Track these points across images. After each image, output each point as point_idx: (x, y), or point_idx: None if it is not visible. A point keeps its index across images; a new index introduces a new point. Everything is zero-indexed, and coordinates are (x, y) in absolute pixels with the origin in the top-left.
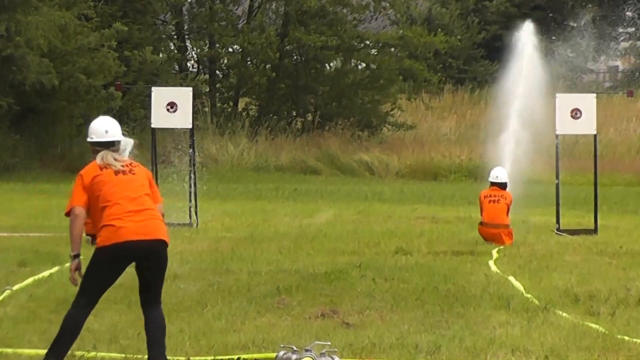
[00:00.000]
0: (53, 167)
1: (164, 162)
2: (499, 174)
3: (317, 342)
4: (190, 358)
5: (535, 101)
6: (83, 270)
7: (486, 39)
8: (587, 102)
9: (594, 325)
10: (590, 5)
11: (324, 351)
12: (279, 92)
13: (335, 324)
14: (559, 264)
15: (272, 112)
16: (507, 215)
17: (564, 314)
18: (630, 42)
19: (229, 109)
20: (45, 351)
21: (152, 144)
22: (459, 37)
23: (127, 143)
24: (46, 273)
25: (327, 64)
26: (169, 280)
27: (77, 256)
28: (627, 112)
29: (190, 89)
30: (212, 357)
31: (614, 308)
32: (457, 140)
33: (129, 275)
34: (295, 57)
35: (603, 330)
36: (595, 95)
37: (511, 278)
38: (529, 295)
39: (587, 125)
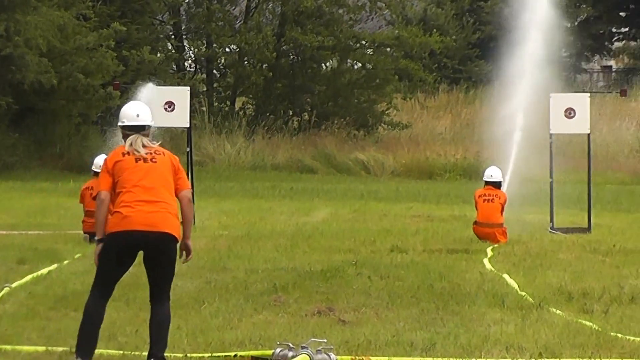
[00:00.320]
0: (52, 166)
1: None
2: (493, 173)
3: (313, 339)
4: (188, 355)
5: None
6: None
7: (481, 39)
8: (581, 101)
9: (587, 323)
10: (584, 6)
11: (320, 348)
12: (276, 92)
13: (331, 322)
14: (553, 262)
15: (269, 111)
16: (502, 214)
17: (558, 312)
18: (623, 42)
19: (226, 108)
20: (44, 348)
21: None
22: (454, 37)
23: None
24: (45, 270)
25: (323, 64)
26: None
27: (101, 240)
28: (620, 111)
29: (188, 88)
30: (209, 354)
31: (607, 306)
32: (452, 139)
33: (128, 273)
34: (291, 57)
35: (596, 328)
36: (589, 94)
37: (505, 276)
38: (523, 293)
39: (581, 125)
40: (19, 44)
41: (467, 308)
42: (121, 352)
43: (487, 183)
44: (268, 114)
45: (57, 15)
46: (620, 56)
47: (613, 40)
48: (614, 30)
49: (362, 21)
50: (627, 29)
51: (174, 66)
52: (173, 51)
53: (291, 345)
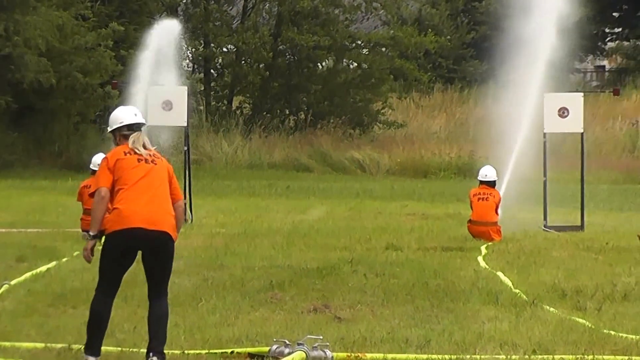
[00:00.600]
0: (50, 164)
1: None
2: (487, 173)
3: (309, 336)
4: (185, 351)
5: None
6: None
7: (475, 39)
8: (575, 101)
9: (580, 320)
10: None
11: (316, 345)
12: (272, 91)
13: (327, 319)
14: (547, 260)
15: (266, 110)
16: (496, 212)
17: (552, 309)
18: (617, 42)
19: (223, 108)
20: (43, 344)
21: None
22: (448, 37)
23: None
24: (44, 268)
25: (319, 64)
26: None
27: (95, 236)
28: (613, 110)
29: (186, 87)
30: (207, 351)
31: (600, 303)
32: (446, 138)
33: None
34: (288, 57)
35: (590, 325)
36: (582, 94)
37: (499, 274)
38: (517, 291)
39: (575, 124)
40: (18, 43)
41: (462, 305)
42: (119, 348)
43: (481, 182)
44: (265, 113)
45: (56, 15)
46: (614, 56)
47: (606, 40)
48: (607, 30)
49: (357, 21)
50: (620, 29)
51: None
52: None
53: (287, 342)
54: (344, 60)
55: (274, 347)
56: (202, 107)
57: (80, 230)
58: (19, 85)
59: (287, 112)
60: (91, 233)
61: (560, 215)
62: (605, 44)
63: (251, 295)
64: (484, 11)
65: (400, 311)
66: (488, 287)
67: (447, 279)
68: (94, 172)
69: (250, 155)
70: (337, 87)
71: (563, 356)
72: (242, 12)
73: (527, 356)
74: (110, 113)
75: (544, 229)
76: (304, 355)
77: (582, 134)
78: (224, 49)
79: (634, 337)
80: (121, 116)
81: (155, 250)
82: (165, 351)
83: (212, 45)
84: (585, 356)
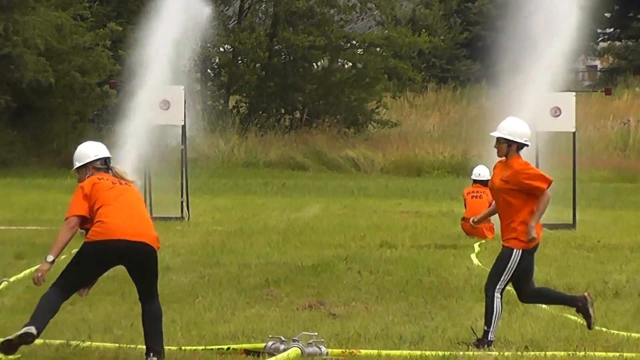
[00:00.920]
0: (49, 162)
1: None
2: (481, 172)
3: (304, 333)
4: (182, 347)
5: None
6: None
7: (468, 39)
8: (567, 100)
9: (572, 317)
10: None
11: (311, 341)
12: (268, 90)
13: (322, 315)
14: (539, 257)
15: (262, 109)
16: None
17: (544, 306)
18: (608, 42)
19: (220, 107)
20: (41, 340)
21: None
22: (442, 37)
23: None
24: None
25: (314, 63)
26: (161, 272)
27: (52, 262)
28: (605, 110)
29: (183, 87)
30: (203, 347)
31: (592, 300)
32: (440, 137)
33: (121, 267)
34: (284, 57)
35: (581, 322)
36: (574, 93)
37: None
38: (509, 288)
39: (567, 123)
40: (17, 43)
41: (455, 302)
42: (117, 345)
43: (475, 181)
44: (261, 112)
45: (54, 15)
46: (605, 56)
47: (598, 40)
48: (599, 30)
49: (352, 21)
50: (612, 30)
51: None
52: None
53: (283, 339)
54: (339, 60)
55: (270, 343)
56: (199, 107)
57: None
58: (18, 85)
59: (283, 111)
60: (50, 258)
61: (552, 213)
62: (597, 44)
63: (247, 292)
64: (477, 12)
65: (394, 308)
66: (481, 284)
67: (440, 276)
68: None
69: (246, 153)
70: (332, 86)
71: (555, 353)
72: (239, 12)
73: (519, 352)
74: (108, 112)
75: None
76: (299, 351)
77: (574, 133)
78: (221, 49)
79: (625, 333)
80: (92, 151)
81: (140, 260)
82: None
83: (209, 45)
84: (577, 353)
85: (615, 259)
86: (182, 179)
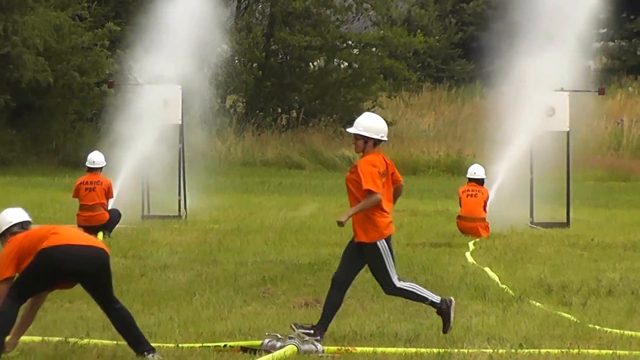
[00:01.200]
0: (48, 161)
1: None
2: (476, 171)
3: (300, 330)
4: (179, 345)
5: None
6: None
7: (463, 39)
8: (561, 100)
9: (566, 315)
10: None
11: (307, 339)
12: (265, 90)
13: (318, 313)
14: (533, 256)
15: (259, 109)
16: (484, 209)
17: (538, 304)
18: (602, 42)
19: (217, 106)
20: (40, 338)
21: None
22: (437, 37)
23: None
24: None
25: (311, 63)
26: (159, 270)
27: None
28: (598, 109)
29: (180, 86)
30: (200, 344)
31: (586, 298)
32: (435, 136)
33: (119, 265)
34: (280, 57)
35: (575, 320)
36: (568, 93)
37: (487, 269)
38: (504, 286)
39: (561, 123)
40: (16, 43)
41: None
42: (115, 342)
43: (470, 180)
44: (258, 112)
45: (53, 15)
46: (599, 56)
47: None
48: (592, 31)
49: (348, 22)
50: (605, 30)
51: None
52: None
53: (279, 336)
54: (335, 60)
55: (266, 340)
56: (196, 106)
57: (76, 225)
58: (17, 84)
59: (280, 110)
60: None
61: (546, 212)
62: (591, 45)
63: (244, 290)
64: (472, 12)
65: (390, 306)
66: (476, 282)
67: (435, 275)
68: (89, 169)
69: (243, 152)
70: (329, 86)
71: (549, 350)
72: (236, 12)
73: (513, 350)
74: (106, 112)
75: (530, 226)
76: (295, 348)
77: (568, 132)
78: (218, 49)
79: (618, 331)
80: (10, 216)
81: (93, 262)
82: (159, 344)
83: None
84: (571, 350)
85: (608, 258)
86: (179, 177)
